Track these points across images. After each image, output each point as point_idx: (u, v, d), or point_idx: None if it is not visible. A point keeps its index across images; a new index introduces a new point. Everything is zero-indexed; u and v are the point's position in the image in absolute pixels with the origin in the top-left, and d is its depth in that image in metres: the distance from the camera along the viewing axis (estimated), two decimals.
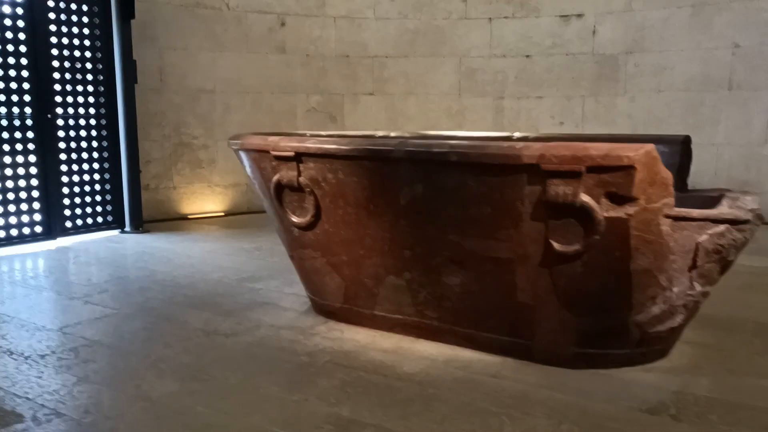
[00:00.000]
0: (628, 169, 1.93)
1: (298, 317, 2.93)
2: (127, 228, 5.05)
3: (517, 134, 3.24)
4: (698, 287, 2.23)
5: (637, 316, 2.19)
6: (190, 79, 5.71)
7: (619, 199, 1.99)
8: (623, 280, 2.11)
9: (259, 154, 2.76)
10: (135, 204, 5.04)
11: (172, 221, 5.57)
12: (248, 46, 5.93)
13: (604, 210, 2.01)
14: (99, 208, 4.93)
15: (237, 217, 5.89)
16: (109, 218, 5.00)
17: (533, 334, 2.33)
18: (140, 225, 5.07)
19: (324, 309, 2.90)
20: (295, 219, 2.75)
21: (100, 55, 4.83)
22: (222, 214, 5.93)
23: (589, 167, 1.96)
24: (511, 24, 6.17)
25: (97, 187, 4.91)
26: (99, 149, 4.89)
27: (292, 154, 2.61)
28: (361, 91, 6.32)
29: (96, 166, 4.88)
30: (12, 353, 2.48)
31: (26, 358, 2.43)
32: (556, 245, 2.11)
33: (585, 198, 2.00)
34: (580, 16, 5.97)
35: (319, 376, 2.26)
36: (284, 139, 2.66)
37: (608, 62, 5.93)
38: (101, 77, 4.85)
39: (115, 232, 5.01)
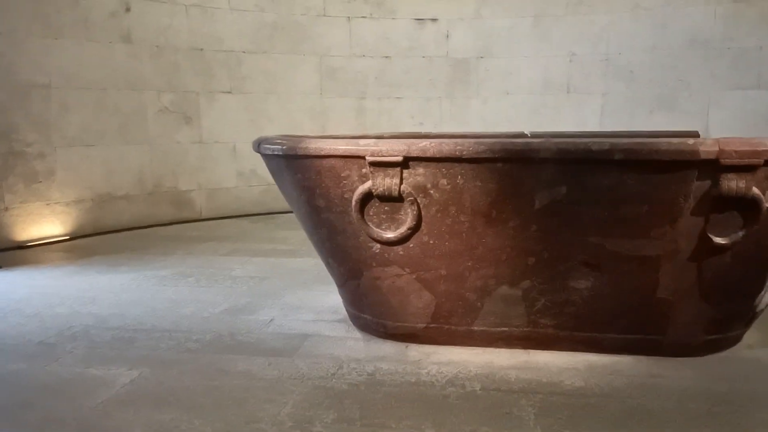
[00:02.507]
0: None
1: (368, 346, 2.56)
2: None
3: (528, 132, 3.26)
4: None
5: (756, 298, 2.40)
6: (18, 72, 4.53)
7: None
8: (765, 266, 2.29)
9: (342, 161, 2.34)
10: None
11: (8, 251, 4.36)
12: (88, 33, 4.91)
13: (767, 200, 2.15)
14: None
15: (87, 240, 4.84)
16: None
17: (665, 329, 2.39)
18: None
19: (398, 332, 2.58)
20: (387, 234, 2.39)
21: None
22: (67, 237, 4.83)
23: (766, 161, 2.09)
24: (370, 24, 6.13)
25: None
26: None
27: (399, 158, 2.27)
28: (218, 89, 5.69)
29: None
30: None
31: None
32: (716, 239, 2.19)
33: (755, 190, 2.12)
34: (434, 20, 6.19)
35: (501, 407, 2.02)
36: (387, 141, 2.30)
37: (461, 66, 6.26)
38: None
39: None
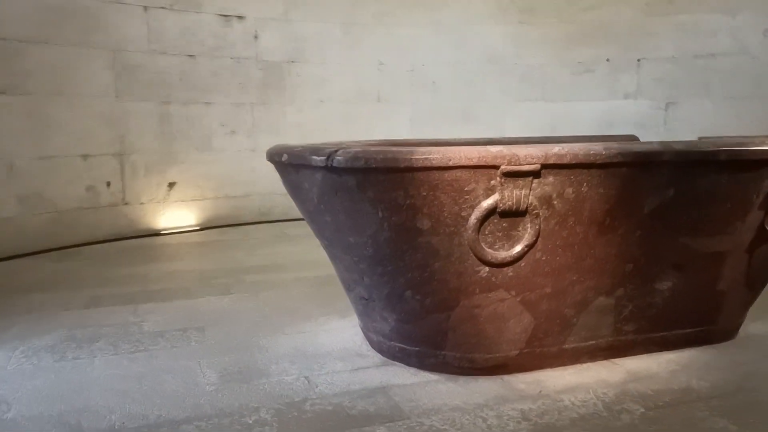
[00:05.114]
0: None
1: (466, 387, 2.17)
2: None
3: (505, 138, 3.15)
4: None
5: None
6: None
7: None
8: None
9: (470, 172, 1.95)
10: None
11: None
12: None
13: None
14: None
15: None
16: None
17: (716, 318, 2.55)
18: None
19: (487, 365, 2.26)
20: (501, 253, 2.07)
21: None
22: None
23: None
24: (171, 16, 5.27)
25: None
26: None
27: (536, 167, 1.98)
28: None
29: None
30: None
31: None
32: None
33: None
34: (241, 18, 5.61)
35: (689, 423, 1.93)
36: (523, 147, 1.98)
37: (273, 70, 5.81)
38: None
39: None
